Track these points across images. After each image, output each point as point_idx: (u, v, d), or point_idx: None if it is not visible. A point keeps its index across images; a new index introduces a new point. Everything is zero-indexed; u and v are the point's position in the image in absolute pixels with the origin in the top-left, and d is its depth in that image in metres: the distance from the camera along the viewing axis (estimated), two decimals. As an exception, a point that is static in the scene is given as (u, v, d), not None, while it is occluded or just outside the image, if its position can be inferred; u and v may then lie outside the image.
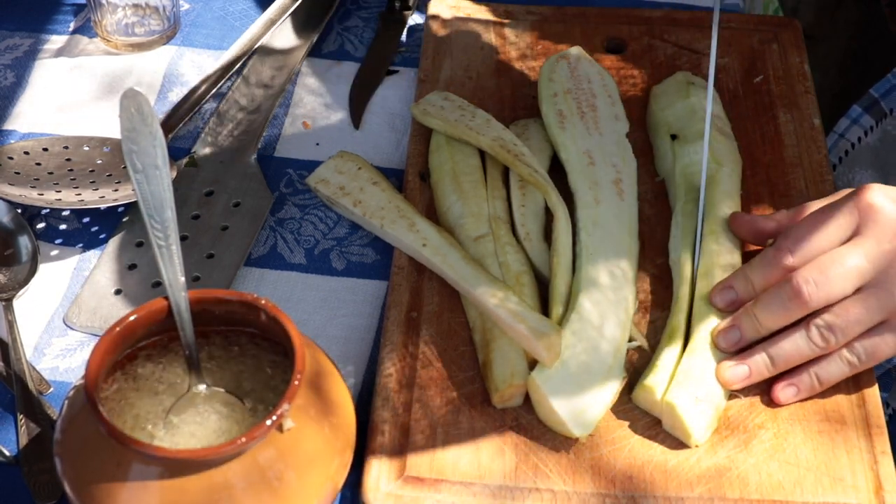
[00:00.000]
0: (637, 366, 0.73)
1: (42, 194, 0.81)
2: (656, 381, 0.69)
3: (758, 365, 0.70)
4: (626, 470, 0.67)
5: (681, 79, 0.89)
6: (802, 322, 0.70)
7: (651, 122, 0.88)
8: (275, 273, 0.81)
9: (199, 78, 0.95)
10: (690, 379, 0.69)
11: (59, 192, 0.82)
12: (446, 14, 0.98)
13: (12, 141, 0.89)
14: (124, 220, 0.83)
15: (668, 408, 0.68)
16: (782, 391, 0.70)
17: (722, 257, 0.75)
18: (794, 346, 0.69)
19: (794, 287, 0.69)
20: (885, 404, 0.71)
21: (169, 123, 0.90)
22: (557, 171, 0.83)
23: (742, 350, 0.71)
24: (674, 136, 0.84)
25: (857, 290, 0.69)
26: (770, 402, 0.71)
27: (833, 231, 0.70)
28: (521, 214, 0.80)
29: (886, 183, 0.84)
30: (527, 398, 0.70)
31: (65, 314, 0.77)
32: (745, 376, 0.70)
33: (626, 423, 0.70)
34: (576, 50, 0.90)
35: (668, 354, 0.71)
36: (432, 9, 0.99)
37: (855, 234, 0.70)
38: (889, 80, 0.96)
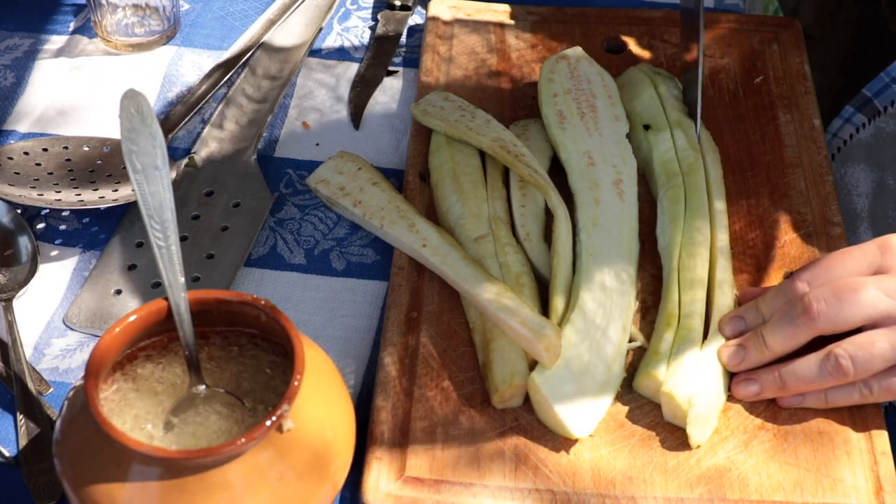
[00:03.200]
0: (637, 366, 0.73)
1: (42, 194, 0.81)
2: (659, 369, 0.69)
3: (769, 384, 0.69)
4: (626, 470, 0.67)
5: (644, 69, 0.89)
6: (822, 348, 0.68)
7: None
8: (275, 273, 0.81)
9: (199, 78, 0.95)
10: (688, 373, 0.69)
11: (59, 192, 0.82)
12: (446, 14, 0.98)
13: (12, 141, 0.89)
14: (124, 220, 0.83)
15: (667, 398, 0.68)
16: (789, 399, 0.70)
17: (710, 244, 0.76)
18: (808, 371, 0.68)
19: (805, 304, 0.67)
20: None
21: (169, 124, 0.90)
22: (557, 172, 0.83)
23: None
24: (647, 126, 0.85)
25: (875, 325, 0.67)
26: (770, 403, 0.70)
27: (852, 266, 0.69)
28: (521, 215, 0.80)
29: (881, 178, 0.84)
30: (527, 398, 0.70)
31: (65, 314, 0.77)
32: (755, 393, 0.70)
33: (626, 424, 0.70)
34: (576, 50, 0.90)
35: (666, 340, 0.71)
36: (432, 9, 0.99)
37: (877, 273, 0.69)
38: (882, 78, 0.96)
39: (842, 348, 0.67)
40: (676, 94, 0.87)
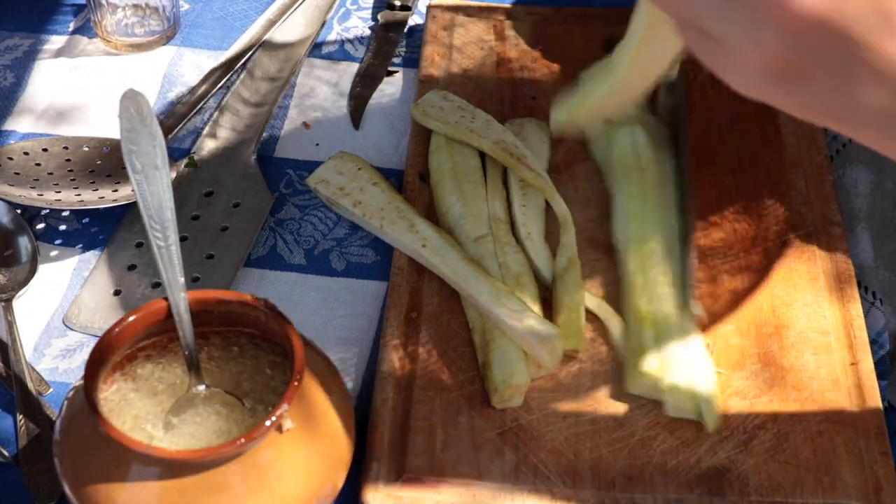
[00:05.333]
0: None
1: (42, 195, 0.81)
2: (650, 365, 0.69)
3: None
4: (626, 470, 0.67)
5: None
6: None
7: None
8: (274, 274, 0.81)
9: (199, 78, 0.95)
10: (682, 361, 0.69)
11: (59, 192, 0.82)
12: (446, 14, 0.98)
13: (12, 141, 0.89)
14: (124, 220, 0.83)
15: (672, 390, 0.68)
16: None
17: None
18: None
19: None
20: (881, 396, 0.71)
21: (168, 124, 0.90)
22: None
23: None
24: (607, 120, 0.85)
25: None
26: (770, 403, 0.71)
27: None
28: (521, 215, 0.80)
29: (879, 179, 0.84)
30: (526, 398, 0.70)
31: (64, 315, 0.77)
32: None
33: (626, 424, 0.70)
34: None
35: (646, 335, 0.71)
36: (432, 9, 0.99)
37: None
38: None
39: None
40: None
